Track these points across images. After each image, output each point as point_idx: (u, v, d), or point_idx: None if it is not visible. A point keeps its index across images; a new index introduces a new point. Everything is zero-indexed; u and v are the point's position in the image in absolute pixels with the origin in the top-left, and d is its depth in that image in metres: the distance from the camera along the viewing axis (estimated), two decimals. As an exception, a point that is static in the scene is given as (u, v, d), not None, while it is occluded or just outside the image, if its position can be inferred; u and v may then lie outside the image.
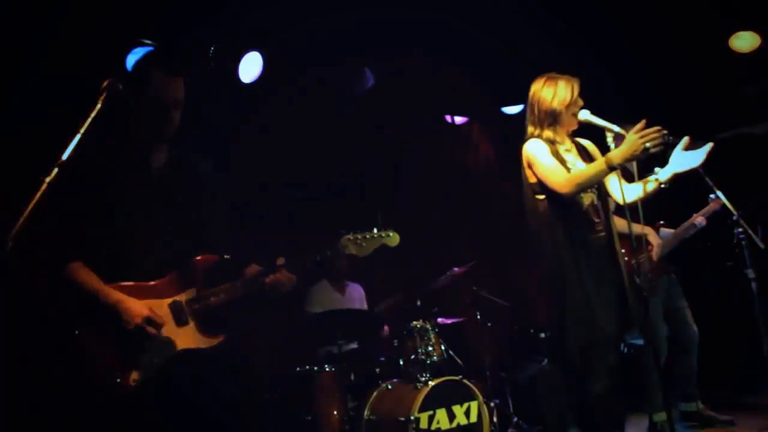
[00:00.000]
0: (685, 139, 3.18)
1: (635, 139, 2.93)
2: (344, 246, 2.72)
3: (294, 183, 5.66)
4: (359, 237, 2.75)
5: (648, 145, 2.93)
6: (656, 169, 3.25)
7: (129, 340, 2.42)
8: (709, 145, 3.19)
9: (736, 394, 5.57)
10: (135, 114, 2.57)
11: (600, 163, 3.05)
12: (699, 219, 4.52)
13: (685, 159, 3.16)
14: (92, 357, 2.42)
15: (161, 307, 2.49)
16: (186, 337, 2.51)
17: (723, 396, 5.45)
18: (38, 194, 2.33)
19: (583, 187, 3.13)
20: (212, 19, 4.46)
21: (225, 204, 2.80)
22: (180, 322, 2.51)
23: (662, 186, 3.21)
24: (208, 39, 4.65)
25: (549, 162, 3.19)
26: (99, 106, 2.40)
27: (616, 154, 2.97)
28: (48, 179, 2.26)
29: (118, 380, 2.38)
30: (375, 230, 2.79)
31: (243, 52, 5.00)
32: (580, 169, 3.17)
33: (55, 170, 2.49)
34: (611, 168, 3.00)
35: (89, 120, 2.38)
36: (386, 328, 5.51)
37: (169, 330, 2.49)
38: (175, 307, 2.51)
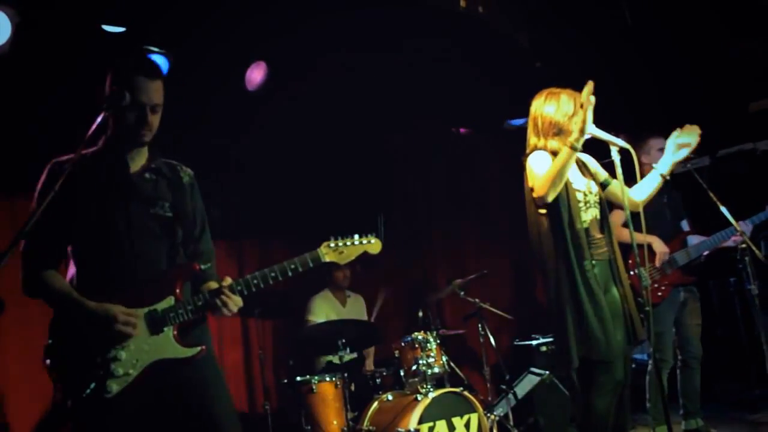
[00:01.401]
0: (677, 131, 3.36)
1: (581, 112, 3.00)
2: (324, 253, 2.67)
3: (293, 190, 5.65)
4: (340, 244, 2.71)
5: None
6: (654, 166, 3.38)
7: (102, 349, 2.38)
8: (695, 128, 3.35)
9: (737, 410, 5.53)
10: (114, 117, 2.52)
11: (563, 152, 3.05)
12: (742, 224, 4.28)
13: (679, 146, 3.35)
14: (65, 365, 2.38)
15: (137, 316, 2.44)
16: (163, 347, 2.46)
17: (724, 413, 5.42)
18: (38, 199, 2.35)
19: (556, 182, 3.08)
20: (217, 25, 4.47)
21: (203, 213, 2.75)
22: (156, 331, 2.46)
23: (666, 178, 3.35)
24: (212, 45, 4.66)
25: (539, 170, 3.18)
26: (104, 114, 2.41)
27: (573, 135, 3.01)
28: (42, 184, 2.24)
29: (93, 387, 2.34)
30: (356, 237, 2.74)
31: (248, 59, 5.04)
32: (551, 166, 3.12)
33: (47, 173, 2.50)
34: (575, 148, 3.02)
35: (94, 127, 2.39)
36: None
37: (145, 339, 2.44)
38: (151, 316, 2.46)
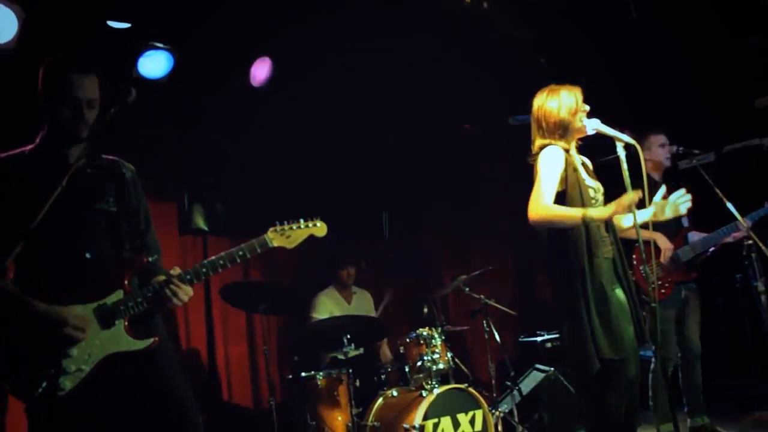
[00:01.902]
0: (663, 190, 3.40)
1: (626, 202, 3.02)
2: (270, 238, 2.69)
3: (296, 188, 5.65)
4: (286, 228, 2.73)
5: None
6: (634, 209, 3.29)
7: (51, 349, 2.35)
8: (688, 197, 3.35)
9: (743, 408, 5.51)
10: (50, 113, 2.52)
11: (577, 212, 3.08)
12: (743, 220, 4.18)
13: (665, 209, 3.36)
14: (12, 365, 2.33)
15: (86, 311, 2.42)
16: (115, 340, 2.44)
17: (730, 410, 5.40)
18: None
19: (548, 224, 3.14)
20: (221, 23, 4.48)
21: (147, 207, 2.73)
22: (107, 324, 2.44)
23: (649, 226, 3.34)
24: (215, 43, 4.66)
25: (547, 181, 3.15)
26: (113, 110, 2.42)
27: (596, 212, 3.07)
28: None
29: (45, 386, 2.30)
30: (302, 221, 2.78)
31: (251, 57, 5.04)
32: (557, 209, 3.14)
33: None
34: (584, 223, 3.06)
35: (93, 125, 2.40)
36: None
37: (96, 334, 2.42)
38: (101, 310, 2.44)
